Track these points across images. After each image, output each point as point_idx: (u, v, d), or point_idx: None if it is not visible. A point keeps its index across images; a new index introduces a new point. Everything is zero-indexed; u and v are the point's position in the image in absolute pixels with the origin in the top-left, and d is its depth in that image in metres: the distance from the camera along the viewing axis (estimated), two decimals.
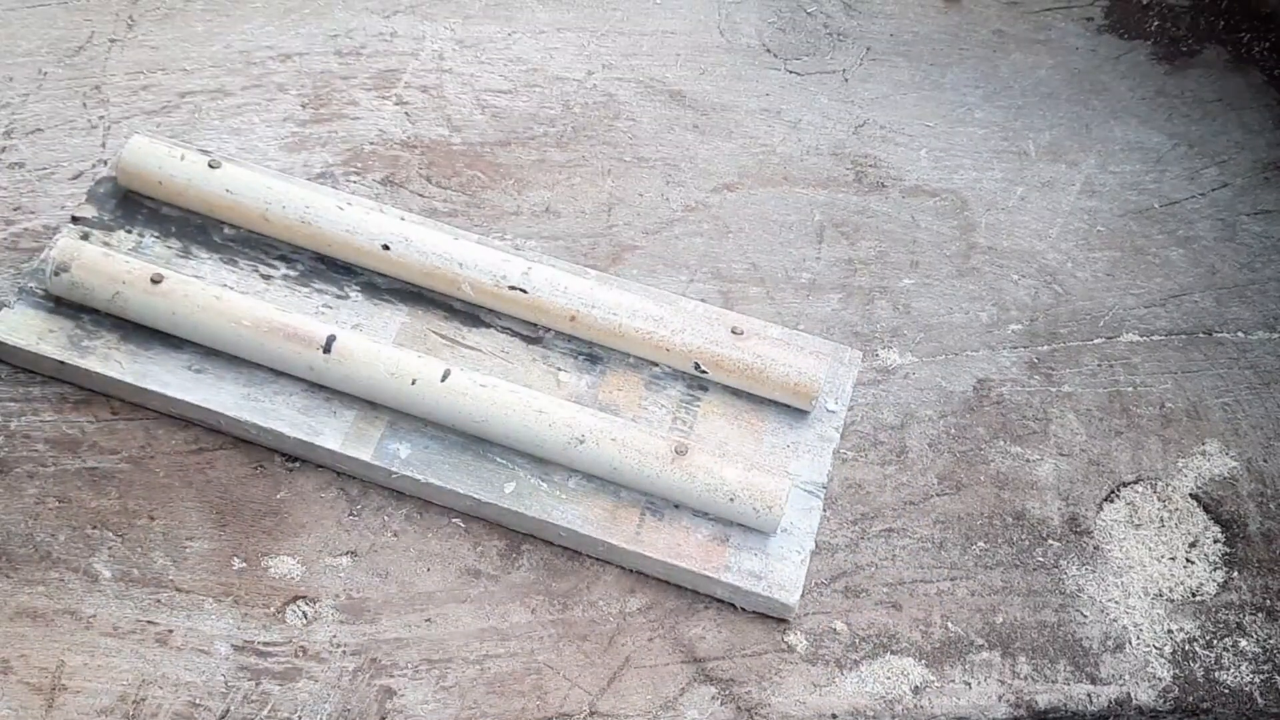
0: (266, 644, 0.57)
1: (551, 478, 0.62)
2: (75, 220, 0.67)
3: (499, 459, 0.62)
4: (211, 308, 0.62)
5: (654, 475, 0.61)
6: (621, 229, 0.74)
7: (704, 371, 0.65)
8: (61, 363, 0.63)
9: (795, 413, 0.66)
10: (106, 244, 0.67)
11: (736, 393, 0.66)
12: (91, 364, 0.63)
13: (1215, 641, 0.63)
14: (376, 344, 0.63)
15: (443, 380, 0.62)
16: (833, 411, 0.66)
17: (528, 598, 0.60)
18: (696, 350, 0.65)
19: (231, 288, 0.65)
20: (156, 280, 0.63)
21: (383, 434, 0.62)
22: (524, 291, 0.65)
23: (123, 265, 0.63)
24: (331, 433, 0.62)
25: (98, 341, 0.64)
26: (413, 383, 0.62)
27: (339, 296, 0.67)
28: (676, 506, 0.62)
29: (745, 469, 0.61)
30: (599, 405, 0.64)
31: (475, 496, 0.61)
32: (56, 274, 0.63)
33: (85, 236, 0.67)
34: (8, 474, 0.61)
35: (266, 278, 0.66)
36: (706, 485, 0.60)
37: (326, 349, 0.62)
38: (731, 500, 0.60)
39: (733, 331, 0.67)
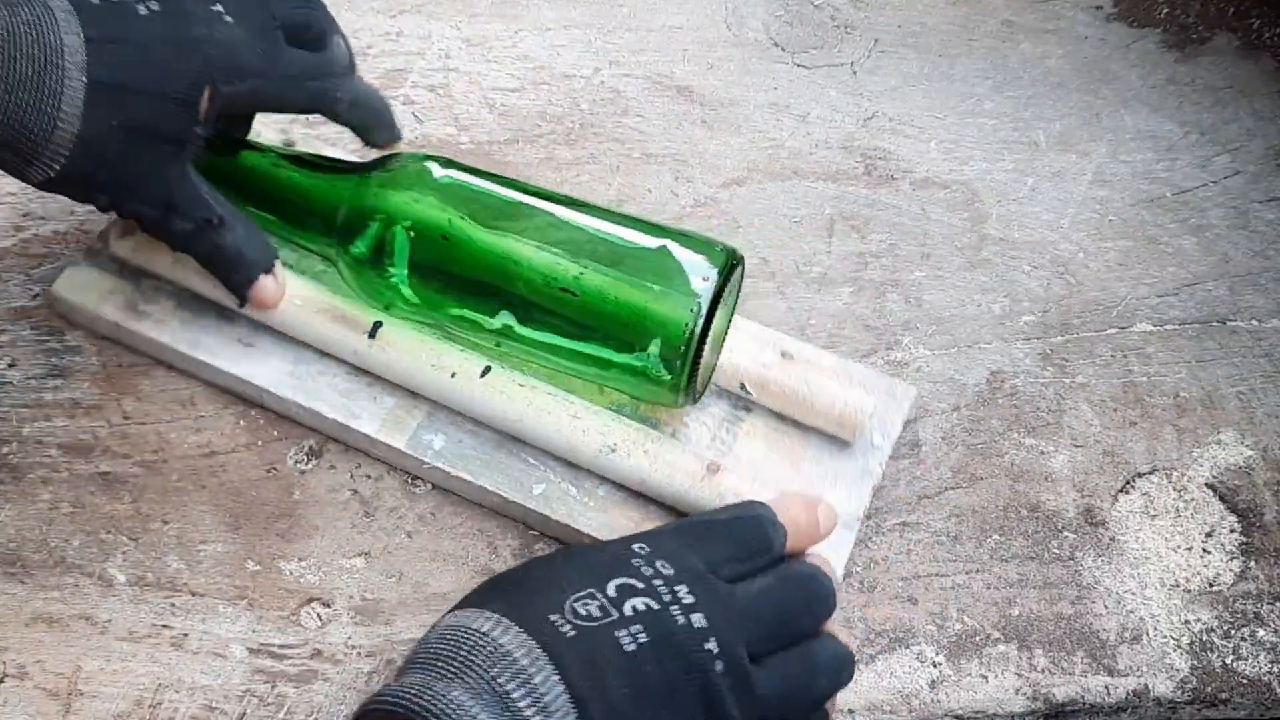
0: (282, 646, 0.57)
1: (582, 484, 0.62)
2: None
3: (531, 460, 0.62)
4: None
5: (683, 491, 0.60)
6: None
7: (749, 393, 0.64)
8: (118, 324, 0.64)
9: (838, 443, 0.64)
10: None
11: (781, 418, 0.64)
12: (145, 329, 0.64)
13: (1233, 632, 0.63)
14: (420, 335, 0.63)
15: (482, 376, 0.62)
16: (878, 446, 0.64)
17: None
18: (744, 371, 0.64)
19: (290, 266, 0.65)
20: None
21: (419, 424, 0.62)
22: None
23: None
24: (369, 418, 0.62)
25: (154, 307, 0.64)
26: (452, 376, 0.62)
27: None
28: None
29: (776, 494, 0.59)
30: (640, 418, 0.64)
31: (502, 494, 0.61)
32: (122, 236, 0.65)
33: None
34: (21, 480, 0.61)
35: (327, 260, 0.65)
36: None
37: (372, 334, 0.62)
38: None
39: (782, 355, 0.66)
